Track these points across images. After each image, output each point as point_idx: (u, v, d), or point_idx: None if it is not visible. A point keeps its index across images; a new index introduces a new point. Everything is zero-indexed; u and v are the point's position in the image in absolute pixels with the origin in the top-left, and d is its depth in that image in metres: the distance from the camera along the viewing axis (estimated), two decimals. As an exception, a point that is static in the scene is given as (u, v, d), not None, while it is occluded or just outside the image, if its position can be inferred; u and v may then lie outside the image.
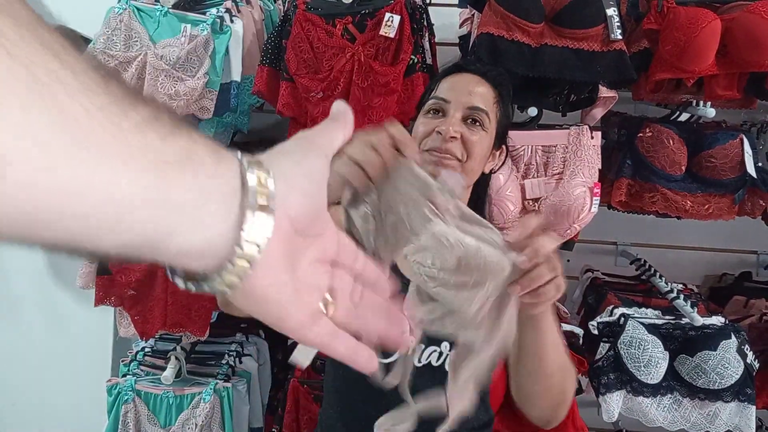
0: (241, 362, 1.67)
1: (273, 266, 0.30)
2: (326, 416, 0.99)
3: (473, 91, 0.95)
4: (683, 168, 1.50)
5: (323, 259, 0.36)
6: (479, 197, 1.06)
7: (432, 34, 1.56)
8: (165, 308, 1.46)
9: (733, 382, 1.35)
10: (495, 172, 1.10)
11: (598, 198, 1.40)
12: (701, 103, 1.58)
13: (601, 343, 1.44)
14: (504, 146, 1.05)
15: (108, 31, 1.48)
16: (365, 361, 0.37)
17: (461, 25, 1.70)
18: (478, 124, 0.94)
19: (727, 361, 1.35)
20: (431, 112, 0.96)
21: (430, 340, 0.88)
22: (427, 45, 1.50)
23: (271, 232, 0.29)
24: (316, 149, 0.35)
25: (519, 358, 0.80)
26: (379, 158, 0.61)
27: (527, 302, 0.63)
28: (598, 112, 1.57)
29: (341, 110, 0.40)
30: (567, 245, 1.49)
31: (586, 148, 1.39)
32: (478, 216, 0.62)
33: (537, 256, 0.60)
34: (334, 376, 0.97)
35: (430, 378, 0.88)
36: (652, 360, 1.36)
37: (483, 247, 0.58)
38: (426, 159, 0.94)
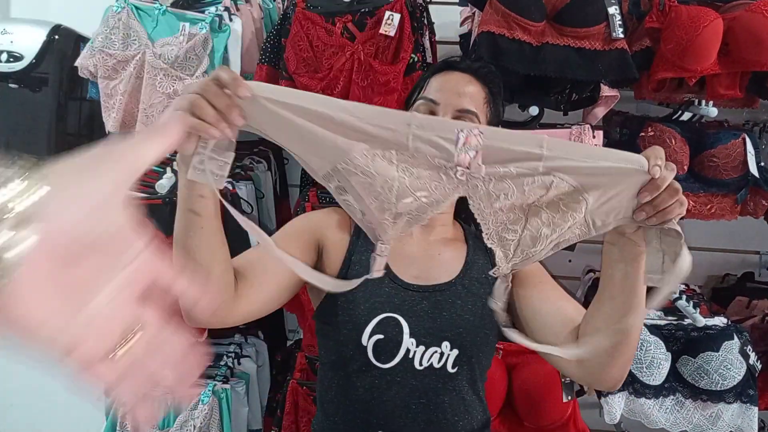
0: (239, 364, 1.66)
1: (31, 286, 0.31)
2: (323, 427, 0.95)
3: (463, 92, 0.92)
4: (685, 168, 1.49)
5: (128, 291, 0.35)
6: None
7: (432, 33, 1.55)
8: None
9: (735, 383, 1.34)
10: None
11: (600, 198, 1.39)
12: (703, 102, 1.58)
13: (603, 344, 1.43)
14: None
15: (106, 30, 1.47)
16: (144, 418, 0.36)
17: (462, 24, 1.69)
18: None
19: (730, 362, 1.34)
20: (417, 109, 0.93)
21: (430, 341, 0.86)
22: (427, 43, 1.50)
23: (28, 250, 0.30)
24: (108, 170, 0.35)
25: (612, 299, 0.75)
26: (210, 108, 0.61)
27: (654, 222, 0.66)
28: (600, 111, 1.56)
29: (169, 122, 0.39)
30: (568, 246, 1.47)
31: (587, 148, 1.39)
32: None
33: (659, 161, 0.67)
34: (329, 386, 0.93)
35: (433, 381, 0.87)
36: (654, 361, 1.35)
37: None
38: None
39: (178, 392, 0.38)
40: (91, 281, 0.34)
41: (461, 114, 0.90)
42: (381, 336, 0.86)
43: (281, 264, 0.82)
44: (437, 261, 0.95)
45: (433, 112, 0.91)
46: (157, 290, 0.37)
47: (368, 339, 0.86)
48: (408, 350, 0.86)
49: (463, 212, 1.04)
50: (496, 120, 0.99)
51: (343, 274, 0.89)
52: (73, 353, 0.34)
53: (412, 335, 0.86)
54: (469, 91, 0.92)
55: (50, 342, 0.33)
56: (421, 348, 0.86)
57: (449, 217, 1.02)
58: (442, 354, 0.87)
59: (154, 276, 0.37)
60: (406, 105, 1.01)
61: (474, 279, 0.93)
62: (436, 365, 0.87)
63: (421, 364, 0.87)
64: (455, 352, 0.87)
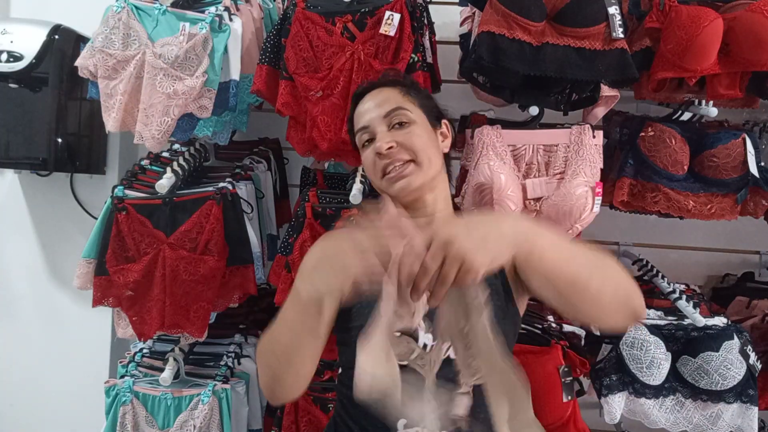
0: (239, 363, 1.66)
1: None
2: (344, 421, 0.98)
3: (380, 102, 1.02)
4: (685, 167, 1.49)
5: None
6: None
7: (432, 33, 1.55)
8: (163, 309, 1.45)
9: (735, 383, 1.34)
10: (456, 147, 1.13)
11: (600, 198, 1.39)
12: (703, 102, 1.58)
13: (603, 345, 1.43)
14: (444, 120, 1.10)
15: (106, 30, 1.47)
16: None
17: (462, 24, 1.69)
18: (404, 123, 1.00)
19: (730, 362, 1.34)
20: (365, 143, 1.03)
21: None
22: (427, 43, 1.49)
23: None
24: None
25: (555, 293, 0.76)
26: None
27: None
28: (600, 111, 1.56)
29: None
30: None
31: (587, 148, 1.38)
32: None
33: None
34: (351, 385, 0.96)
35: (451, 373, 0.87)
36: (654, 361, 1.35)
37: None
38: (385, 185, 1.00)
39: None
40: None
41: (389, 116, 1.00)
42: (397, 333, 0.87)
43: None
44: None
45: (371, 135, 1.01)
46: None
47: None
48: (425, 345, 0.87)
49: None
50: (428, 101, 1.07)
51: None
52: None
53: (428, 330, 0.87)
54: (384, 97, 1.02)
55: None
56: (439, 341, 0.87)
57: (447, 212, 1.04)
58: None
59: None
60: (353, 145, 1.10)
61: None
62: (453, 357, 0.87)
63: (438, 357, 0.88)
64: None
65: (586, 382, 1.48)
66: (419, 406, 0.73)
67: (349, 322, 0.93)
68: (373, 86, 1.06)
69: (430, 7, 1.54)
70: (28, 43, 1.66)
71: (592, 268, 0.75)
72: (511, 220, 0.72)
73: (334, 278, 0.71)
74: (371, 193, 1.57)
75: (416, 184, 0.98)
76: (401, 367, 0.68)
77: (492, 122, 1.47)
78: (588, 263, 0.75)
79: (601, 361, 1.42)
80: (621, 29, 1.31)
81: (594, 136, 1.40)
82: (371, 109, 1.02)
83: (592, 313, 0.78)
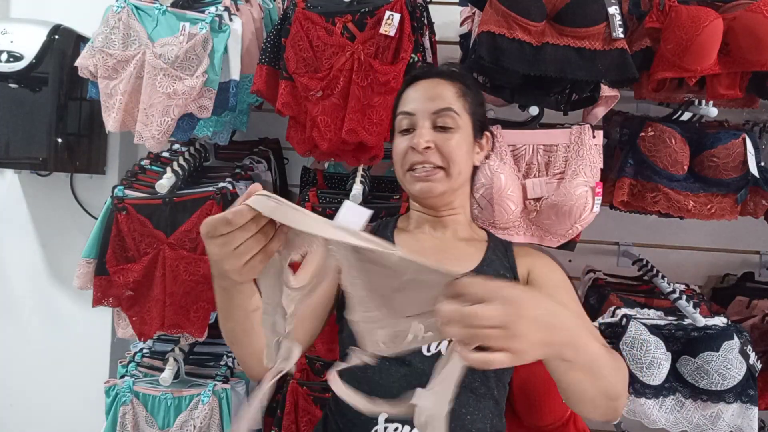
0: (239, 364, 1.66)
1: None
2: (331, 410, 0.98)
3: (434, 95, 0.98)
4: (685, 167, 1.49)
5: None
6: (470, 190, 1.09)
7: (432, 33, 1.55)
8: (163, 309, 1.45)
9: (735, 383, 1.34)
10: (488, 159, 1.14)
11: (600, 198, 1.39)
12: (703, 102, 1.58)
13: (603, 344, 1.43)
14: (488, 132, 1.07)
15: (106, 30, 1.47)
16: None
17: (462, 24, 1.69)
18: (449, 128, 0.97)
19: (730, 362, 1.34)
20: (403, 130, 1.00)
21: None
22: (427, 43, 1.49)
23: None
24: None
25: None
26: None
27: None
28: (600, 111, 1.56)
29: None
30: (569, 246, 1.47)
31: (587, 148, 1.38)
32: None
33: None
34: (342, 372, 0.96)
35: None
36: (654, 361, 1.35)
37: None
38: (409, 180, 0.98)
39: None
40: None
41: (438, 115, 0.97)
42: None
43: (312, 305, 0.90)
44: (451, 255, 0.98)
45: (412, 124, 0.98)
46: None
47: None
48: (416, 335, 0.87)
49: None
50: (480, 109, 1.04)
51: None
52: None
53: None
54: (440, 92, 0.98)
55: None
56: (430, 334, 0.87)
57: (463, 217, 1.04)
58: (450, 342, 0.87)
59: None
60: (391, 127, 1.06)
61: (489, 276, 0.94)
62: (444, 352, 0.87)
63: (429, 350, 0.88)
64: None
65: (586, 382, 1.48)
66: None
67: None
68: (432, 73, 1.03)
69: (430, 7, 1.54)
70: (28, 43, 1.66)
71: (607, 386, 0.70)
72: (565, 314, 0.59)
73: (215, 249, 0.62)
74: (371, 193, 1.58)
75: (438, 191, 0.97)
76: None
77: (492, 122, 1.47)
78: (607, 379, 0.68)
79: (601, 361, 1.42)
80: (621, 29, 1.31)
81: (594, 136, 1.40)
82: (422, 100, 0.99)
83: (577, 408, 0.77)
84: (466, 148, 0.99)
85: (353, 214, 0.65)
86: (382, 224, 1.09)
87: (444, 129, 0.97)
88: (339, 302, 0.97)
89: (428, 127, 0.97)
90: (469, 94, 1.02)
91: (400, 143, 1.00)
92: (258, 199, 0.58)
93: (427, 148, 0.95)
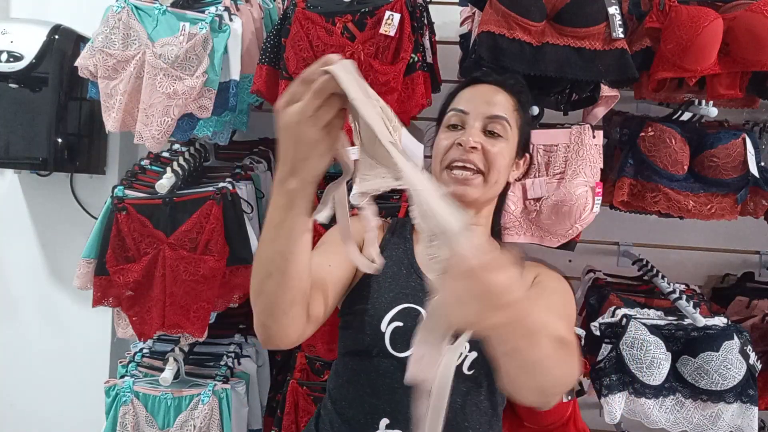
0: (239, 363, 1.66)
1: None
2: (328, 413, 0.97)
3: (491, 101, 0.98)
4: (685, 167, 1.49)
5: None
6: (499, 206, 1.08)
7: (432, 33, 1.55)
8: (163, 309, 1.45)
9: (735, 383, 1.34)
10: (519, 180, 1.13)
11: (600, 198, 1.39)
12: (703, 102, 1.57)
13: (603, 345, 1.43)
14: (528, 154, 1.07)
15: (106, 30, 1.47)
16: None
17: (462, 24, 1.69)
18: (498, 135, 0.97)
19: (730, 362, 1.34)
20: (451, 125, 0.99)
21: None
22: (427, 43, 1.49)
23: None
24: None
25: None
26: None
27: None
28: (600, 111, 1.56)
29: None
30: (569, 246, 1.47)
31: (587, 148, 1.38)
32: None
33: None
34: (341, 372, 0.96)
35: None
36: (654, 361, 1.35)
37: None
38: (446, 179, 0.96)
39: None
40: None
41: (491, 120, 0.96)
42: (400, 323, 0.87)
43: (334, 272, 0.89)
44: None
45: (463, 122, 0.98)
46: None
47: (387, 325, 0.88)
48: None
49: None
50: (527, 128, 1.04)
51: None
52: None
53: None
54: (498, 100, 0.98)
55: None
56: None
57: (484, 230, 1.04)
58: (460, 354, 0.86)
59: None
60: (437, 121, 1.06)
61: None
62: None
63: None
64: (474, 354, 0.87)
65: (586, 382, 1.48)
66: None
67: (354, 305, 0.93)
68: (494, 80, 1.03)
69: (430, 7, 1.54)
70: (28, 43, 1.66)
71: (556, 361, 0.65)
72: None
73: (296, 150, 0.63)
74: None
75: (473, 196, 0.96)
76: None
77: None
78: (555, 355, 0.64)
79: (601, 361, 1.42)
80: (621, 29, 1.31)
81: (594, 136, 1.40)
82: (480, 102, 0.98)
83: (510, 388, 0.70)
84: (508, 160, 0.99)
85: (410, 141, 0.65)
86: (400, 223, 1.08)
87: (493, 135, 0.97)
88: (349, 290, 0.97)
89: (479, 129, 0.96)
90: (523, 110, 1.02)
91: (445, 138, 0.98)
92: (344, 65, 0.61)
93: (474, 147, 0.94)
